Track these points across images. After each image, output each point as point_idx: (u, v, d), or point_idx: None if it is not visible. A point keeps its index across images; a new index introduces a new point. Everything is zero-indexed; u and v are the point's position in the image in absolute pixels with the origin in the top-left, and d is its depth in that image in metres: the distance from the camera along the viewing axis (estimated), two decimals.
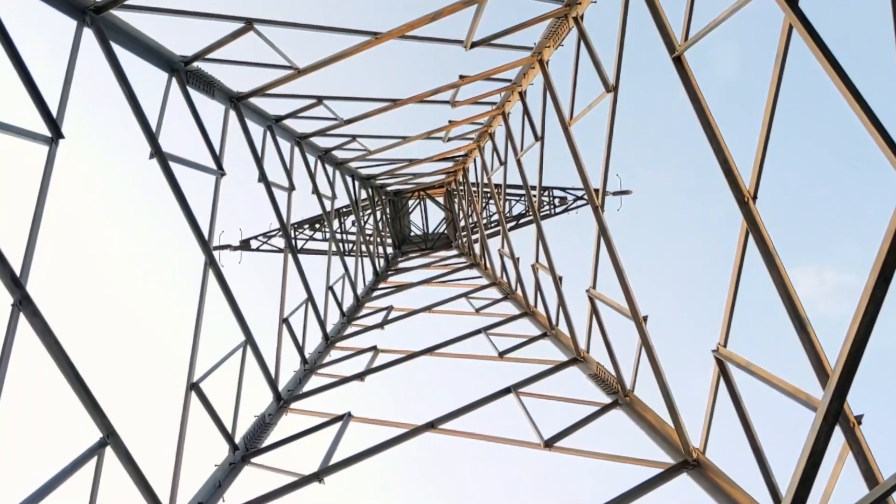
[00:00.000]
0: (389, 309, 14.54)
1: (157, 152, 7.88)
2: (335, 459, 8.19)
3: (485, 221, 21.29)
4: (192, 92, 9.10)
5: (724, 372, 6.58)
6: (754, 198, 5.55)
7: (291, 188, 12.38)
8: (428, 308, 14.05)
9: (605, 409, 8.23)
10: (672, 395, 7.25)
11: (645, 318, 7.71)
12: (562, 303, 10.54)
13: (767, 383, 5.92)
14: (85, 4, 6.92)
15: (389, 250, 22.44)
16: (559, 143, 9.29)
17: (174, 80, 8.58)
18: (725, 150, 5.79)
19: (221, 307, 9.04)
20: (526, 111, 11.44)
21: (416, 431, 8.52)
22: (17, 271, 5.56)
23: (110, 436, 6.35)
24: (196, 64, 8.86)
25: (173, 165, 8.11)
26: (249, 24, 8.24)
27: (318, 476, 7.94)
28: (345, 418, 9.26)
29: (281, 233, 14.10)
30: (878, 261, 3.78)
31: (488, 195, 20.02)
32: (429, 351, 11.44)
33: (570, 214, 22.04)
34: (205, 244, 8.57)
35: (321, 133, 13.25)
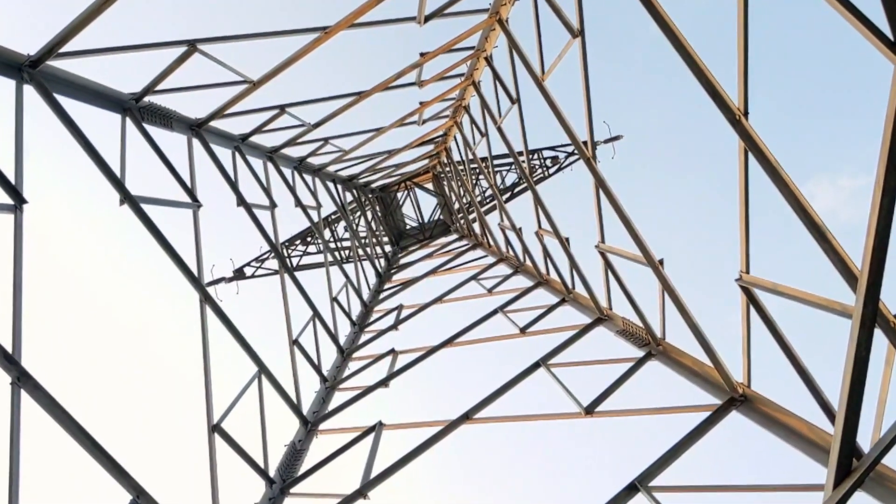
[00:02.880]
0: (399, 308, 14.19)
1: (127, 197, 7.58)
2: (375, 472, 7.93)
3: (479, 198, 20.90)
4: (151, 128, 8.75)
5: (751, 298, 6.35)
6: (745, 114, 5.30)
7: (273, 206, 12.02)
8: (439, 299, 13.70)
9: (640, 362, 7.94)
10: (705, 334, 6.97)
11: (661, 262, 7.42)
12: (574, 264, 10.20)
13: (798, 300, 5.72)
14: (19, 62, 6.62)
15: (388, 248, 22.07)
16: (539, 102, 8.94)
17: (129, 120, 8.24)
18: (706, 71, 5.48)
19: (229, 341, 8.77)
20: (496, 76, 11.05)
21: (452, 426, 8.24)
22: (10, 348, 5.38)
23: (140, 495, 6.20)
24: (148, 98, 8.51)
25: (146, 207, 7.81)
26: (192, 45, 7.87)
27: (361, 493, 7.69)
28: (377, 428, 8.97)
29: (273, 254, 13.79)
30: (882, 151, 3.59)
31: (477, 171, 19.62)
32: (448, 342, 11.11)
33: (566, 173, 21.51)
34: (196, 282, 8.27)
35: (292, 143, 12.82)
